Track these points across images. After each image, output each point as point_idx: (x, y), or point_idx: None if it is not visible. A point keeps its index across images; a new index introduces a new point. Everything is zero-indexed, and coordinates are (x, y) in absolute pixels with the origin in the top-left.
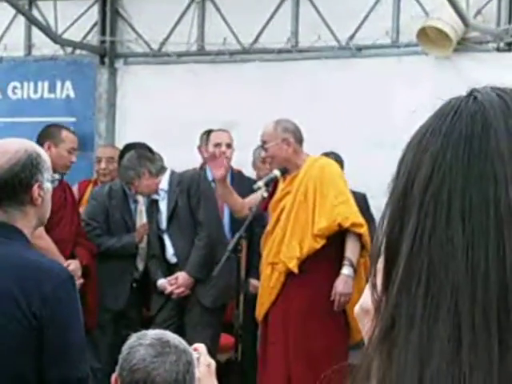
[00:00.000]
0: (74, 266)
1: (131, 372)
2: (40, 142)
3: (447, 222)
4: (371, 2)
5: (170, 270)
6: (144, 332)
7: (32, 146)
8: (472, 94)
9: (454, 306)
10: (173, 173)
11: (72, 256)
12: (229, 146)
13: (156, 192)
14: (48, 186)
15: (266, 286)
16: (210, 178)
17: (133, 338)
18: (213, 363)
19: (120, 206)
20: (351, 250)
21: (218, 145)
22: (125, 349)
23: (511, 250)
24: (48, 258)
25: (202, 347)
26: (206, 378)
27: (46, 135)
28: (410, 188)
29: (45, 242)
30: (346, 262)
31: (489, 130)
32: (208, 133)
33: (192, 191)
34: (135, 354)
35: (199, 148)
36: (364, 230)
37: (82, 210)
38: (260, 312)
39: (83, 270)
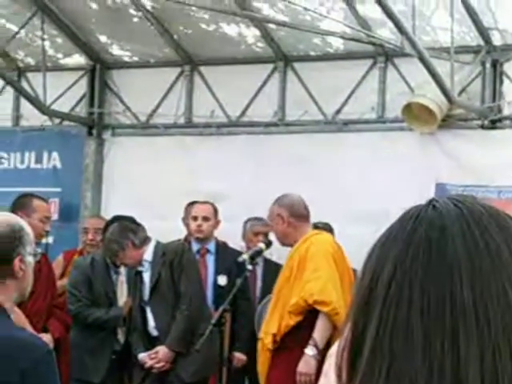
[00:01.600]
0: (45, 339)
1: None
2: (12, 213)
3: (407, 319)
4: (357, 77)
5: (151, 342)
6: None
7: (15, 219)
8: (431, 202)
9: None
10: (158, 244)
11: (45, 329)
12: (206, 218)
13: (140, 263)
14: (29, 259)
15: (259, 362)
16: (194, 249)
17: None
18: None
19: (102, 277)
20: (318, 329)
21: (195, 218)
22: None
23: (465, 344)
24: (26, 331)
25: None
26: None
27: (17, 206)
28: (374, 286)
29: (15, 315)
30: (310, 342)
31: (446, 234)
32: (191, 205)
33: (175, 263)
34: None
35: (183, 220)
36: (329, 309)
37: (66, 280)
38: None
39: (56, 343)
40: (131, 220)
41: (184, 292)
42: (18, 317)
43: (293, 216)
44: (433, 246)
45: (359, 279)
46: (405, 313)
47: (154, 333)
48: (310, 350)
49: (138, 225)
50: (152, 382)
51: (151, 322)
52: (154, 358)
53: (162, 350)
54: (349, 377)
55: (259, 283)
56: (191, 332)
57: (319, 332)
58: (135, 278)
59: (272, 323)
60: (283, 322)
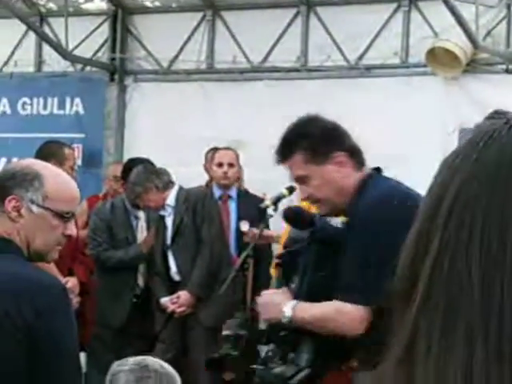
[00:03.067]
0: (71, 283)
1: None
2: (43, 160)
3: (467, 252)
4: (381, 22)
5: (173, 287)
6: (126, 358)
7: (39, 166)
8: (509, 121)
9: (469, 339)
10: (180, 189)
11: (70, 273)
12: (231, 165)
13: (163, 207)
14: (35, 209)
15: None
16: (216, 195)
17: (114, 365)
18: None
19: (122, 223)
20: None
21: (220, 164)
22: (108, 376)
23: None
24: (41, 270)
25: None
26: None
27: (49, 154)
28: (436, 212)
29: None
30: None
31: None
32: (213, 151)
33: (198, 209)
34: (117, 381)
35: (205, 166)
36: None
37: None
38: None
39: (81, 287)
40: (148, 162)
41: (205, 238)
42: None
43: None
44: (501, 174)
45: (423, 202)
46: (464, 247)
47: (176, 278)
48: None
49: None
50: (174, 326)
51: (173, 267)
52: (176, 302)
53: (183, 295)
54: (405, 306)
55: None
56: (212, 277)
57: None
58: (158, 223)
59: None
60: None
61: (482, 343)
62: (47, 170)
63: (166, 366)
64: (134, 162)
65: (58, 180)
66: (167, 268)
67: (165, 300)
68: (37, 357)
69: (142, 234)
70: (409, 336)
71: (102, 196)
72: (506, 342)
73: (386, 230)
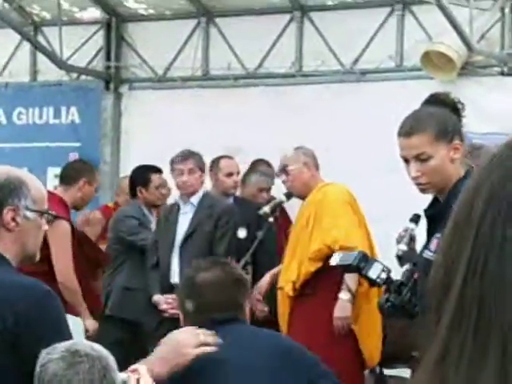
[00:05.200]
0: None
1: None
2: (77, 177)
3: (499, 257)
4: (375, 26)
5: (169, 287)
6: (53, 346)
7: (18, 173)
8: None
9: (502, 349)
10: (208, 193)
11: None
12: (238, 174)
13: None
14: (30, 215)
15: (280, 312)
16: None
17: (42, 355)
18: None
19: (147, 221)
20: (348, 274)
21: (230, 174)
22: (37, 367)
23: None
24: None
25: (142, 368)
26: None
27: (81, 174)
28: (468, 217)
29: (72, 284)
30: (343, 287)
31: None
32: (219, 159)
33: (222, 222)
34: (47, 370)
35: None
36: None
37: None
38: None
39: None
40: (155, 168)
41: (221, 254)
42: (75, 290)
43: (315, 166)
44: None
45: (455, 208)
46: (497, 252)
47: (175, 279)
48: (344, 295)
49: (161, 172)
50: (169, 328)
51: (176, 268)
52: (170, 303)
53: None
54: (437, 318)
55: None
56: None
57: (349, 276)
58: (174, 211)
59: (290, 271)
60: (303, 268)
61: None
62: (23, 174)
63: (97, 347)
64: (141, 169)
65: (35, 182)
66: (169, 265)
67: (158, 297)
68: (20, 359)
69: None
70: (442, 346)
71: (112, 206)
72: None
73: None
